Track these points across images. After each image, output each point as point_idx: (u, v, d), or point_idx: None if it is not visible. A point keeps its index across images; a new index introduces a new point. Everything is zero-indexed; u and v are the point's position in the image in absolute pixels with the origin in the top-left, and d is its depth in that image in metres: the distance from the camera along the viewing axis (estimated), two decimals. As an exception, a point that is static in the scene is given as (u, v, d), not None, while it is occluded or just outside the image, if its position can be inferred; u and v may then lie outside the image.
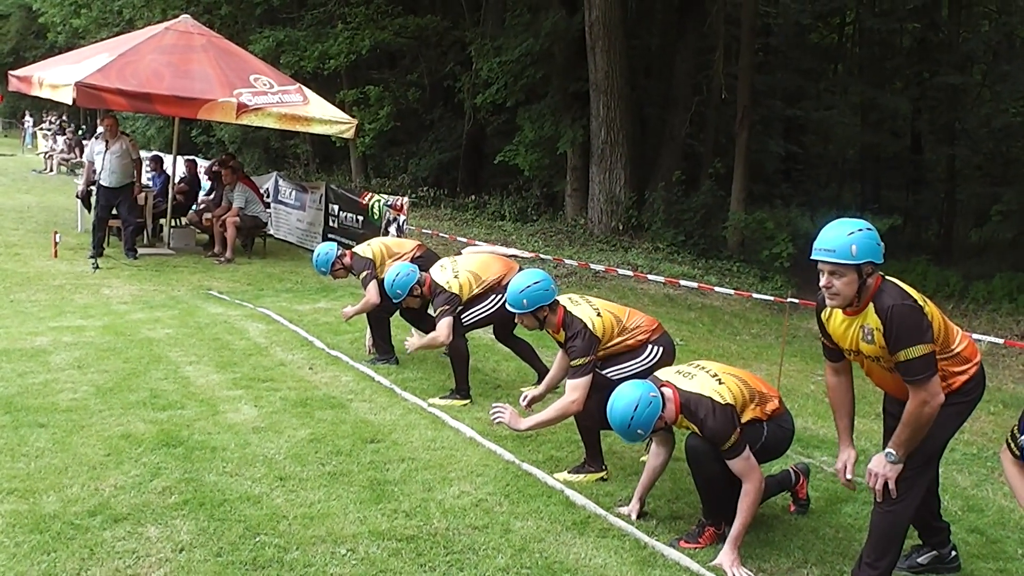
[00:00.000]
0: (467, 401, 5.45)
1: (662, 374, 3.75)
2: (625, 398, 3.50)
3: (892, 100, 18.49)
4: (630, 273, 10.09)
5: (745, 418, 3.56)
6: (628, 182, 14.47)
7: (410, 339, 5.74)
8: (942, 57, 18.27)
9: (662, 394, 3.55)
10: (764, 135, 18.11)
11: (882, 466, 3.17)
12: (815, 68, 21.16)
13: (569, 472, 4.34)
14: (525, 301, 4.34)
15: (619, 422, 3.50)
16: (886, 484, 3.16)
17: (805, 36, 21.28)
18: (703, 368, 3.70)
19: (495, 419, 4.22)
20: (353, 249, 6.44)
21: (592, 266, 10.62)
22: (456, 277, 5.57)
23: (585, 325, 4.26)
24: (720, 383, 3.57)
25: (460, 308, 5.53)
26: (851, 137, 20.44)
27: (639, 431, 3.50)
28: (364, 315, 6.33)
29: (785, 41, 20.63)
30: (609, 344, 4.35)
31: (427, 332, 5.93)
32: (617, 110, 14.23)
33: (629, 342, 4.40)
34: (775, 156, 19.44)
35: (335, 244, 6.52)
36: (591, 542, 3.62)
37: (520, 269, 5.76)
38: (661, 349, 4.44)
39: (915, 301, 3.11)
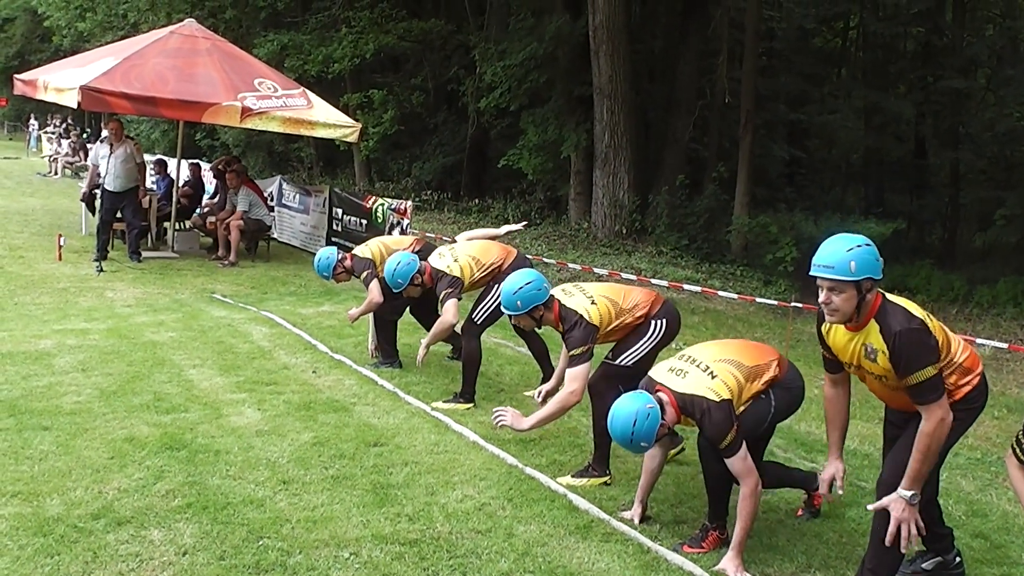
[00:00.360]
0: (470, 405, 5.43)
1: (656, 374, 3.70)
2: (623, 412, 3.45)
3: (896, 104, 18.47)
4: (633, 277, 10.08)
5: (746, 396, 3.55)
6: (632, 186, 14.48)
7: (424, 341, 5.70)
8: (946, 61, 18.28)
9: (659, 400, 3.51)
10: (768, 139, 18.13)
11: (905, 511, 3.10)
12: (819, 72, 21.16)
13: (572, 476, 4.33)
14: (519, 303, 4.33)
15: (621, 438, 3.47)
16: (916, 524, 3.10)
17: (809, 40, 21.31)
18: (693, 361, 3.65)
19: (497, 423, 4.22)
20: (353, 251, 6.41)
21: (595, 270, 10.62)
22: (456, 261, 5.57)
23: (581, 316, 4.27)
24: (713, 377, 3.53)
25: (470, 309, 5.52)
26: (855, 141, 20.43)
27: (642, 443, 3.47)
28: (368, 318, 6.33)
29: (789, 45, 20.64)
30: (609, 327, 4.34)
31: None
32: (621, 114, 14.25)
33: (629, 321, 4.38)
34: (779, 160, 19.44)
35: (335, 248, 6.51)
36: (594, 546, 3.62)
37: (518, 253, 5.79)
38: (664, 321, 4.42)
39: (920, 321, 3.08)
